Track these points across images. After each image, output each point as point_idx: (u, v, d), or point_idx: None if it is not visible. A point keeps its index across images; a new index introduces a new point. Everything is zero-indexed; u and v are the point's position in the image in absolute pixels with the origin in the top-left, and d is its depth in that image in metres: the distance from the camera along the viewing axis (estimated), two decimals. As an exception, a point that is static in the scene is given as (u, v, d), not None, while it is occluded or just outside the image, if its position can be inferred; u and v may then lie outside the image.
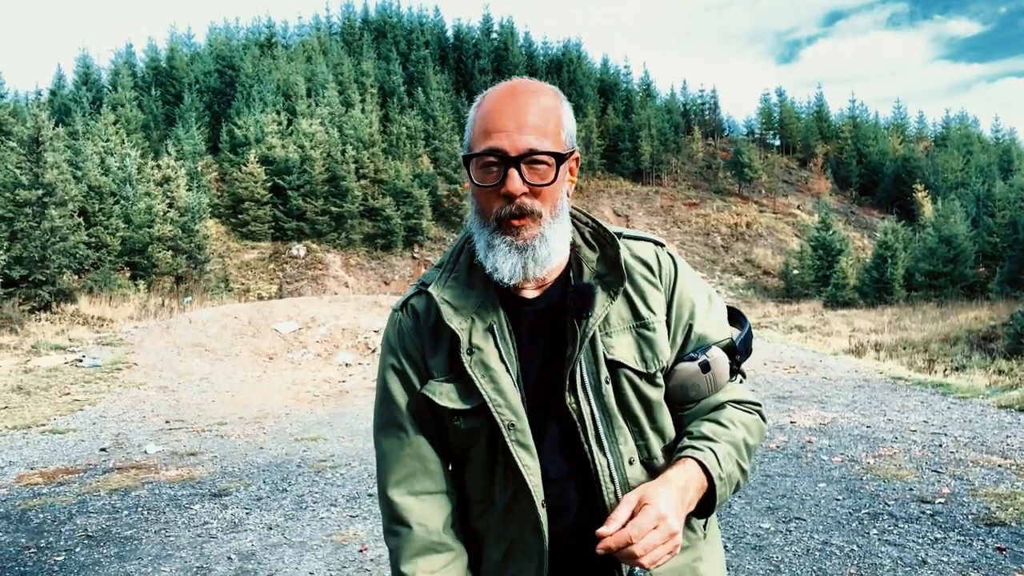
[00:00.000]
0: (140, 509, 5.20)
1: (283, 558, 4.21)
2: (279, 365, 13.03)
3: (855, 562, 3.88)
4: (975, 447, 6.40)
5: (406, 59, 62.97)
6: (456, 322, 1.16)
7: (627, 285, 1.20)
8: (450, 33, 73.28)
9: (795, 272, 40.79)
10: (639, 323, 1.20)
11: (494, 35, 72.40)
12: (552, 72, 70.68)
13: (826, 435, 7.12)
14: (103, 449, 7.25)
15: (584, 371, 1.15)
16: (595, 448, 1.15)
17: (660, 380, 1.20)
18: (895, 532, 4.31)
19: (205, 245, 29.19)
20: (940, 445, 6.53)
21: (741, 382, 1.28)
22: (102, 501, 5.40)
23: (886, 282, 32.99)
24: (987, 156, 62.97)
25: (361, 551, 4.29)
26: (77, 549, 4.40)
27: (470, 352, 1.15)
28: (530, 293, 1.19)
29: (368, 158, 45.67)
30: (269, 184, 40.20)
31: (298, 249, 39.50)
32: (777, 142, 75.53)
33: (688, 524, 1.20)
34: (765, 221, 53.83)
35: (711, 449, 1.14)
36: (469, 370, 1.14)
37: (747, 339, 1.27)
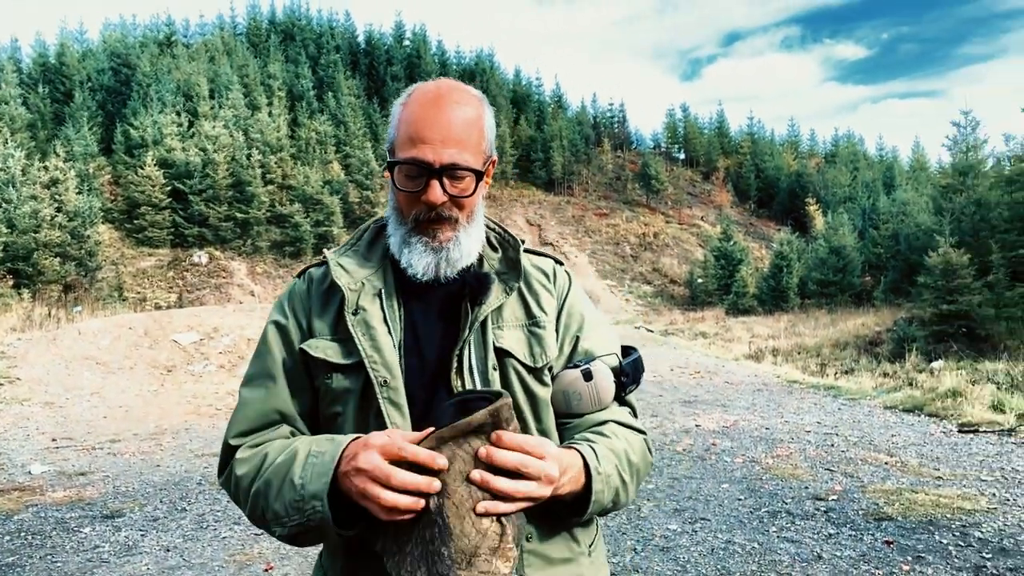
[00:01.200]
0: (23, 534, 4.83)
1: (182, 581, 4.00)
2: (179, 378, 12.43)
3: (756, 559, 4.04)
4: (864, 446, 6.80)
5: (316, 63, 61.64)
6: (345, 281, 1.20)
7: (523, 286, 1.25)
8: (361, 39, 72.32)
9: (699, 281, 42.37)
10: (531, 322, 1.23)
11: (407, 42, 71.98)
12: (465, 81, 70.43)
13: (729, 437, 7.40)
14: (-21, 471, 6.70)
15: (473, 356, 1.16)
16: None
17: (547, 379, 1.22)
18: (792, 529, 4.52)
19: (97, 252, 27.58)
20: (832, 445, 6.90)
21: (632, 414, 1.30)
22: (-22, 528, 4.99)
23: (782, 290, 34.69)
24: (872, 172, 67.45)
25: (267, 570, 4.13)
26: (-52, 581, 4.05)
27: (355, 312, 1.17)
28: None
29: (276, 163, 44.36)
30: (168, 188, 38.34)
31: (200, 256, 37.84)
32: (682, 156, 78.46)
33: (572, 535, 1.20)
34: (671, 232, 55.71)
35: (590, 446, 1.13)
36: (351, 328, 1.16)
37: (635, 365, 1.29)
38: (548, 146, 60.87)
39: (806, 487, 5.45)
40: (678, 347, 19.93)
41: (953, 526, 4.40)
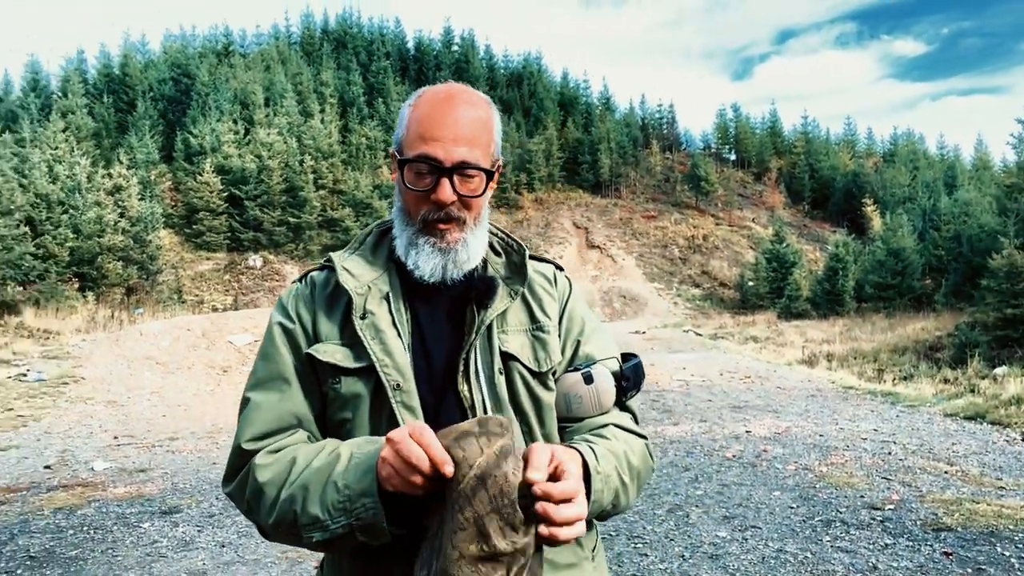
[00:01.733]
0: (86, 528, 5.03)
1: (236, 576, 4.11)
2: (234, 378, 12.77)
3: (809, 569, 3.95)
4: (923, 454, 6.58)
5: (366, 70, 62.72)
6: (352, 285, 1.18)
7: (526, 291, 1.25)
8: (411, 44, 73.29)
9: (750, 284, 41.59)
10: (535, 326, 1.23)
11: (455, 47, 72.63)
12: (513, 85, 71.09)
13: (780, 444, 7.25)
14: (47, 466, 7.00)
15: (479, 360, 1.16)
16: None
17: (552, 384, 1.22)
18: (847, 539, 4.40)
19: (158, 256, 28.55)
20: (889, 453, 6.70)
21: (633, 420, 1.28)
22: (46, 520, 5.21)
23: (837, 294, 33.81)
24: (933, 172, 65.21)
25: (317, 567, 4.21)
26: (19, 571, 4.23)
27: (363, 316, 1.16)
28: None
29: (327, 168, 45.24)
30: (225, 194, 39.51)
31: (254, 260, 38.85)
32: (733, 156, 77.17)
33: (576, 540, 1.17)
34: (721, 234, 54.82)
35: (590, 447, 1.11)
36: (360, 332, 1.14)
37: (636, 370, 1.27)
38: (596, 148, 60.62)
39: (862, 496, 5.30)
40: (728, 351, 19.61)
41: (1016, 538, 4.23)
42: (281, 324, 1.22)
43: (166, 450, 7.83)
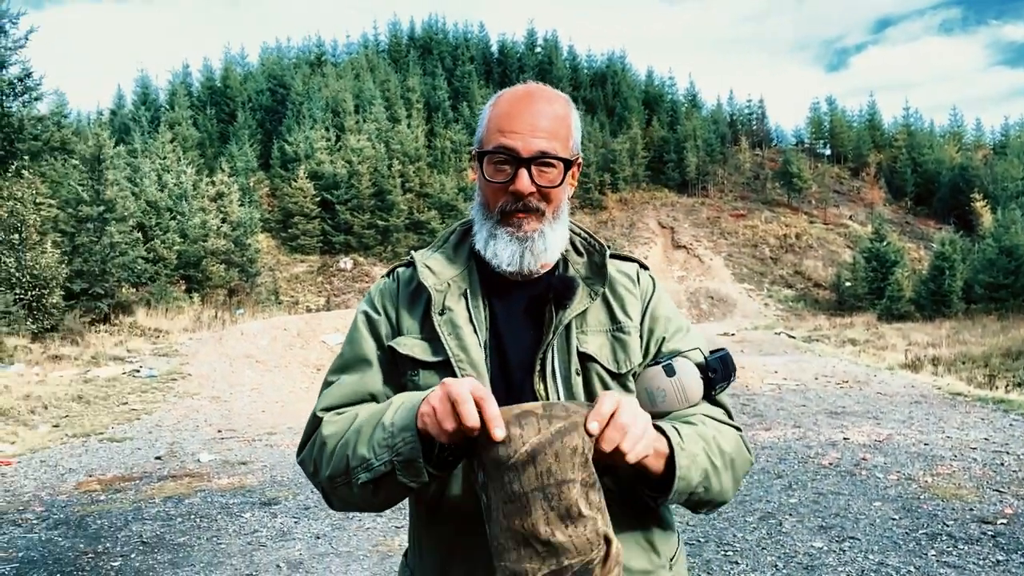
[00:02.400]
0: (193, 516, 5.32)
1: (330, 567, 4.26)
2: (327, 376, 13.23)
3: (913, 584, 3.75)
4: (1041, 466, 6.13)
5: (451, 74, 63.75)
6: (431, 282, 1.21)
7: (607, 291, 1.23)
8: (495, 48, 73.96)
9: (847, 284, 39.76)
10: (615, 327, 1.21)
11: (538, 49, 72.82)
12: (597, 84, 70.64)
13: (881, 452, 6.91)
14: (158, 457, 7.45)
15: (556, 360, 1.16)
16: None
17: (632, 385, 1.19)
18: (954, 553, 4.15)
19: (256, 258, 29.93)
20: (1002, 464, 6.27)
21: (727, 415, 1.24)
22: (157, 508, 5.55)
23: (944, 294, 31.94)
24: (1051, 163, 60.57)
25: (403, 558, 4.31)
26: (132, 555, 4.53)
27: (441, 312, 1.18)
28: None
29: (414, 172, 46.29)
30: (318, 199, 41.07)
31: (345, 262, 40.16)
32: (827, 152, 74.03)
33: (651, 545, 1.16)
34: (815, 232, 52.69)
35: (673, 426, 1.09)
36: (438, 328, 1.17)
37: (724, 361, 1.22)
38: (682, 147, 59.44)
39: (971, 509, 4.99)
40: (823, 354, 18.84)
41: None
42: (366, 313, 1.27)
43: (265, 444, 8.19)
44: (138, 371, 12.28)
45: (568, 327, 1.18)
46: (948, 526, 4.64)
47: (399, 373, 1.21)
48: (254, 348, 14.24)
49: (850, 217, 57.10)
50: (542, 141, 1.14)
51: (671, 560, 1.21)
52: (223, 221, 28.69)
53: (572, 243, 1.28)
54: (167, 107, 50.16)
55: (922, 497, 5.33)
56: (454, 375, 1.13)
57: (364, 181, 41.97)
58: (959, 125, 78.70)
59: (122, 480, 6.48)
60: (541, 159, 1.14)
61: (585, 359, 1.17)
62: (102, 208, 19.27)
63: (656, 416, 1.18)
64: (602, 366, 1.18)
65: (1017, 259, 30.67)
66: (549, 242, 1.19)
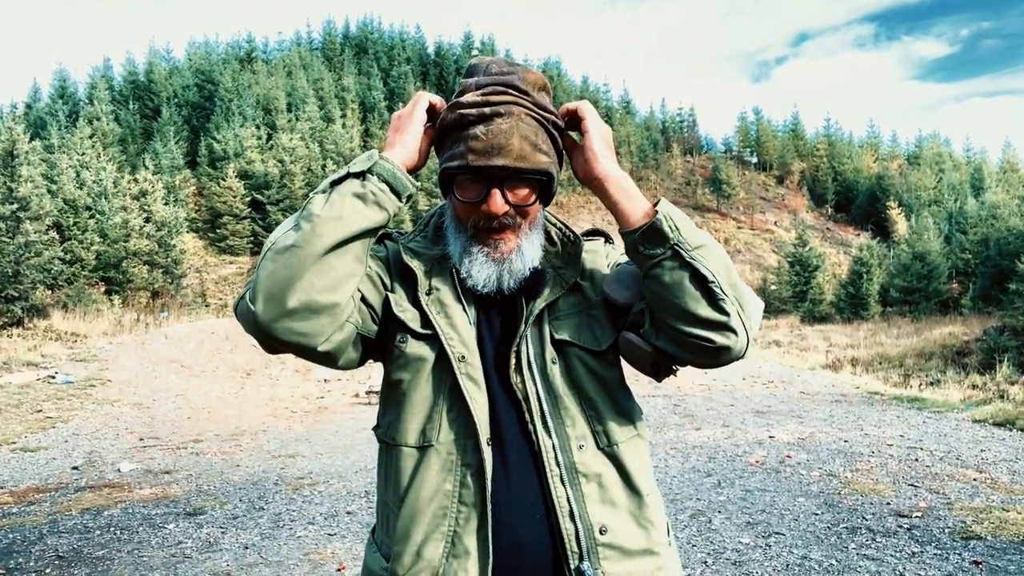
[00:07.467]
0: (113, 529, 5.10)
1: (259, 578, 4.14)
2: (257, 381, 12.89)
3: (834, 577, 3.90)
4: (951, 461, 6.48)
5: (387, 75, 63.11)
6: (415, 264, 1.19)
7: (579, 277, 1.23)
8: (431, 50, 73.60)
9: (773, 288, 41.19)
10: (588, 304, 1.21)
11: (475, 52, 72.82)
12: (533, 89, 71.07)
13: (805, 450, 7.17)
14: (75, 467, 7.10)
15: (531, 352, 1.15)
16: (540, 430, 1.13)
17: (614, 359, 1.20)
18: (873, 546, 4.34)
19: (182, 260, 28.88)
20: (916, 459, 6.59)
21: None
22: (74, 520, 5.29)
23: (862, 298, 33.41)
24: (959, 174, 64.26)
25: (339, 570, 4.23)
26: (48, 570, 4.30)
27: (428, 292, 1.17)
28: None
29: (348, 173, 45.54)
30: (248, 199, 39.91)
31: (277, 264, 39.15)
32: (754, 160, 76.61)
33: (648, 521, 1.17)
34: (743, 237, 54.43)
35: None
36: (426, 307, 1.15)
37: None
38: (616, 151, 60.36)
39: (888, 503, 5.22)
40: (750, 356, 19.45)
41: (1050, 548, 4.14)
42: (374, 250, 1.23)
43: (190, 452, 7.91)
44: (54, 377, 11.69)
45: (540, 317, 1.17)
46: (867, 520, 4.84)
47: (387, 329, 1.18)
48: (179, 352, 13.74)
49: (775, 223, 59.20)
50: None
51: (668, 536, 1.23)
52: (146, 221, 27.56)
53: (547, 232, 1.26)
54: (86, 101, 47.99)
55: (843, 493, 5.55)
56: (442, 349, 1.13)
57: (297, 181, 41.06)
58: (876, 136, 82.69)
59: (36, 492, 6.16)
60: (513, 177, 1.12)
61: (562, 345, 1.17)
62: (15, 206, 18.29)
63: (626, 303, 1.17)
64: (581, 347, 1.17)
65: (929, 264, 32.30)
66: (527, 257, 1.17)
